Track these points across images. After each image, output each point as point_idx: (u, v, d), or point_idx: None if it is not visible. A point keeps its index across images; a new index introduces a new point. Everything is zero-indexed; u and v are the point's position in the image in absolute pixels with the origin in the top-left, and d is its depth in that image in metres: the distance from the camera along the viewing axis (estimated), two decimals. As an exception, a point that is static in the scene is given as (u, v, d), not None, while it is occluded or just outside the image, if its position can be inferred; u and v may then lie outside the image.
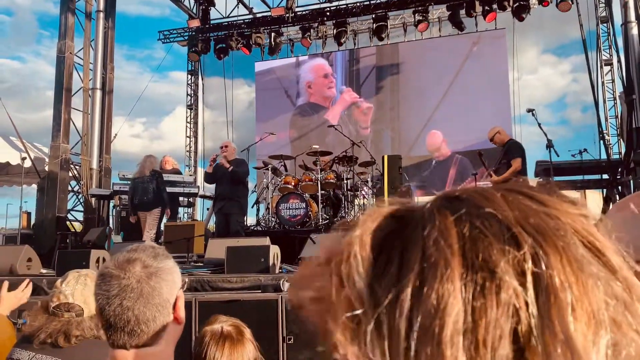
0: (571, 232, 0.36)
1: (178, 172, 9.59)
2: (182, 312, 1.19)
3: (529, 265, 0.33)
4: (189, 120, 14.54)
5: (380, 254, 0.37)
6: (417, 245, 0.36)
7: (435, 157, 11.70)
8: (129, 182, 8.35)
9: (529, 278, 0.33)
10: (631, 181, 7.08)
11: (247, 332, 1.75)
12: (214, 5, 12.55)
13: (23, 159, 8.93)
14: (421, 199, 0.47)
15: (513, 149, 6.79)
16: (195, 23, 12.71)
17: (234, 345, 1.66)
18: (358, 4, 11.84)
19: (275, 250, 4.89)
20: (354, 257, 0.38)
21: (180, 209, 10.74)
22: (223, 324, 1.72)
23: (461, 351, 0.32)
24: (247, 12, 13.26)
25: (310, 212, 7.44)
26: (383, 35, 11.84)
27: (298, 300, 0.41)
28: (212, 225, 9.18)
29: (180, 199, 9.80)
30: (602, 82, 11.35)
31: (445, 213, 0.37)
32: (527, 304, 0.32)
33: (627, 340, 0.32)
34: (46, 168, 9.74)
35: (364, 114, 12.69)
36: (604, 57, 11.42)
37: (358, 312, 0.36)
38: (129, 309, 1.11)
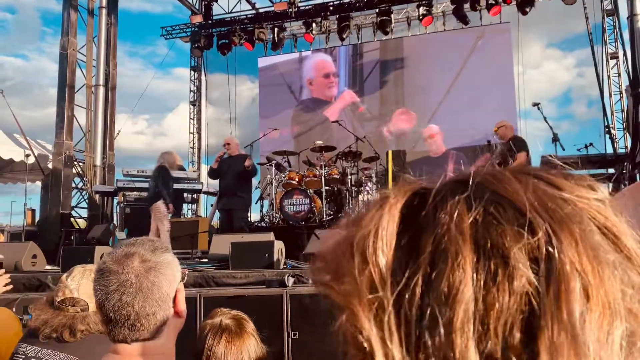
0: (587, 218, 0.34)
1: (182, 169, 9.60)
2: (182, 306, 1.19)
3: (542, 253, 0.32)
4: (192, 116, 14.52)
5: (402, 234, 0.36)
6: (429, 231, 0.35)
7: (432, 153, 11.66)
8: (133, 178, 8.35)
9: (542, 266, 0.32)
10: (637, 175, 7.03)
11: (249, 326, 1.72)
12: (216, 1, 12.51)
13: (27, 156, 8.94)
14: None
15: (517, 144, 6.78)
16: (198, 19, 12.68)
17: (233, 338, 1.64)
18: (361, -1, 11.78)
19: (279, 246, 4.87)
20: (382, 232, 0.36)
21: (184, 205, 10.74)
22: (223, 317, 1.70)
23: (472, 339, 0.31)
24: (250, 8, 13.22)
25: (314, 208, 7.43)
26: (387, 30, 11.77)
27: (320, 280, 0.39)
28: (215, 221, 9.18)
29: (185, 195, 9.81)
30: (608, 76, 11.26)
31: (457, 198, 0.36)
32: (539, 292, 0.31)
33: None
34: (50, 165, 9.75)
35: (362, 117, 12.63)
36: (609, 51, 11.32)
37: (380, 294, 0.35)
38: (129, 304, 1.10)
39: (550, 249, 0.32)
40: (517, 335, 0.31)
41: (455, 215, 0.35)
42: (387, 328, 0.34)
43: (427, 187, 0.39)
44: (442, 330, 0.32)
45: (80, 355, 1.61)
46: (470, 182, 0.37)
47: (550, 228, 0.33)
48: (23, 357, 1.65)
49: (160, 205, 7.17)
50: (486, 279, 0.32)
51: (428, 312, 0.32)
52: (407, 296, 0.34)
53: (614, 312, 0.31)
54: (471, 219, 0.34)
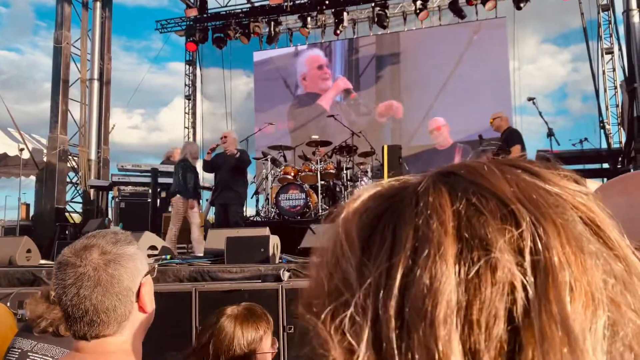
0: (570, 209, 0.35)
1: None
2: (147, 300, 1.13)
3: (527, 244, 0.32)
4: (187, 111, 14.47)
5: (371, 236, 0.36)
6: (410, 223, 0.35)
7: (438, 146, 11.63)
8: (128, 173, 8.32)
9: (527, 257, 0.32)
10: (632, 170, 7.06)
11: (259, 308, 1.75)
12: (211, -6, 12.45)
13: (21, 150, 8.88)
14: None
15: (512, 136, 6.81)
16: (193, 12, 12.61)
17: (247, 318, 1.64)
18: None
19: (275, 241, 4.87)
20: (339, 245, 0.37)
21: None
22: (235, 307, 1.71)
23: (454, 331, 0.31)
24: (245, 1, 13.14)
25: (309, 203, 7.42)
26: (385, 24, 11.76)
27: (303, 307, 0.39)
28: (211, 216, 9.17)
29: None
30: (603, 71, 11.29)
31: (440, 189, 0.36)
32: (523, 283, 0.31)
33: (625, 320, 0.32)
34: (44, 159, 9.70)
35: (351, 105, 12.61)
36: (605, 46, 11.35)
37: (343, 298, 0.35)
38: (86, 298, 1.05)
39: (535, 239, 0.32)
40: (501, 326, 0.31)
41: (438, 206, 0.35)
42: (351, 333, 0.34)
43: (400, 184, 0.39)
44: (424, 323, 0.32)
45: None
46: (454, 174, 0.37)
47: (534, 219, 0.33)
48: (19, 351, 1.65)
49: (178, 201, 6.94)
50: (469, 270, 0.32)
51: (408, 305, 0.32)
52: (383, 292, 0.33)
53: (597, 302, 0.31)
54: (453, 210, 0.34)
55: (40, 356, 1.61)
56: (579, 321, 0.31)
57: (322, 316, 0.36)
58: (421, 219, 0.34)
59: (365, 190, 0.41)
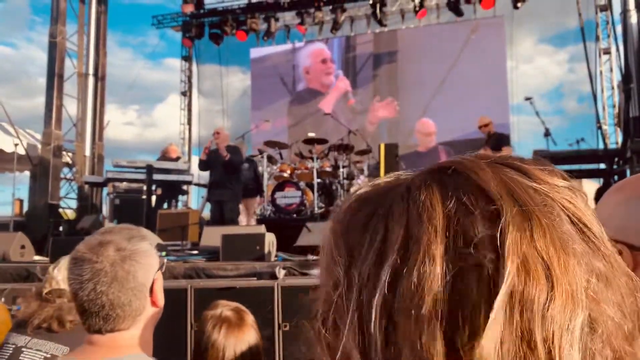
0: (558, 207, 0.35)
1: (179, 160, 9.56)
2: (159, 295, 1.17)
3: (512, 244, 0.33)
4: (182, 107, 14.41)
5: (361, 237, 0.37)
6: (400, 223, 0.35)
7: (420, 149, 11.68)
8: (123, 169, 8.27)
9: (512, 257, 0.32)
10: (628, 170, 7.07)
11: (249, 318, 1.74)
12: (208, -10, 12.39)
13: (15, 145, 8.82)
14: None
15: (502, 138, 6.94)
16: (190, 8, 12.55)
17: (233, 329, 1.65)
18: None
19: (270, 238, 4.86)
20: (328, 248, 0.39)
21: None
22: (224, 308, 1.71)
23: (438, 328, 0.32)
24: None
25: (305, 201, 7.40)
26: (385, 23, 11.76)
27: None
28: (206, 213, 9.14)
29: (183, 187, 9.78)
30: (600, 72, 11.32)
31: (431, 187, 0.36)
32: (507, 281, 0.32)
33: (604, 317, 0.33)
34: (39, 155, 9.63)
35: (351, 109, 12.58)
36: (602, 46, 11.37)
37: (333, 299, 0.36)
38: (103, 293, 1.08)
39: (521, 240, 0.33)
40: (483, 321, 0.31)
41: (429, 205, 0.35)
42: (331, 331, 0.36)
43: (400, 178, 0.40)
44: (410, 320, 0.33)
45: (70, 344, 1.61)
46: (446, 172, 0.37)
47: (521, 218, 0.33)
48: (13, 346, 1.65)
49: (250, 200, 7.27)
50: (456, 268, 0.33)
51: (396, 303, 0.33)
52: (369, 289, 0.34)
53: (576, 301, 0.32)
54: (444, 209, 0.35)
55: (34, 351, 1.61)
56: (557, 319, 0.31)
57: (314, 318, 0.38)
58: (412, 218, 0.35)
59: (358, 189, 0.41)
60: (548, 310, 0.31)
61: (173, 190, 9.04)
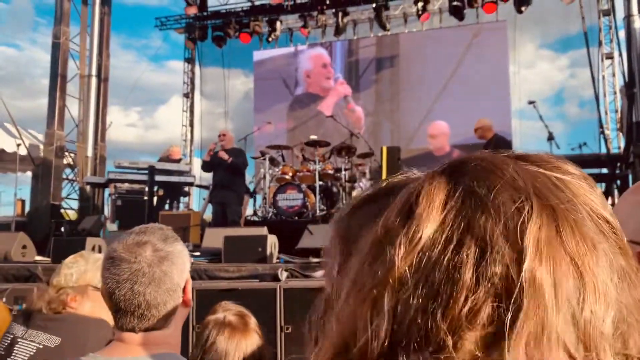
0: (580, 203, 0.34)
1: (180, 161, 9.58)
2: (190, 295, 1.20)
3: (538, 239, 0.32)
4: (185, 109, 14.43)
5: (358, 239, 0.36)
6: (400, 220, 0.35)
7: (435, 152, 11.63)
8: (125, 170, 8.28)
9: (539, 253, 0.31)
10: (630, 175, 7.07)
11: (252, 322, 1.73)
12: (211, -8, 12.42)
13: (18, 145, 8.83)
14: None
15: (499, 145, 6.79)
16: (193, 10, 12.58)
17: (236, 334, 1.64)
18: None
19: (272, 240, 4.86)
20: (328, 249, 0.39)
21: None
22: (227, 312, 1.70)
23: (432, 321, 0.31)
24: (246, 0, 13.12)
25: (307, 203, 7.40)
26: (386, 25, 11.77)
27: None
28: (208, 215, 9.14)
29: (184, 188, 9.79)
30: (603, 76, 11.31)
31: (438, 186, 0.35)
32: (535, 278, 0.31)
33: (627, 315, 0.32)
34: (41, 155, 9.64)
35: (351, 112, 12.57)
36: (605, 51, 11.37)
37: (330, 301, 0.36)
38: (140, 293, 1.10)
39: (551, 234, 0.32)
40: (485, 319, 0.31)
41: (431, 193, 0.35)
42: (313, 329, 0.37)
43: (409, 177, 0.40)
44: (396, 320, 0.32)
45: (62, 335, 1.63)
46: (462, 166, 0.37)
47: (547, 215, 0.33)
48: (12, 337, 1.67)
49: None
50: (477, 261, 0.31)
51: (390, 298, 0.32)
52: (364, 290, 0.33)
53: (607, 298, 0.32)
54: (449, 207, 0.34)
55: (28, 342, 1.63)
56: (591, 317, 0.31)
57: (312, 322, 0.38)
58: (412, 225, 0.34)
59: (359, 194, 0.41)
60: (582, 310, 0.31)
61: (174, 191, 9.05)
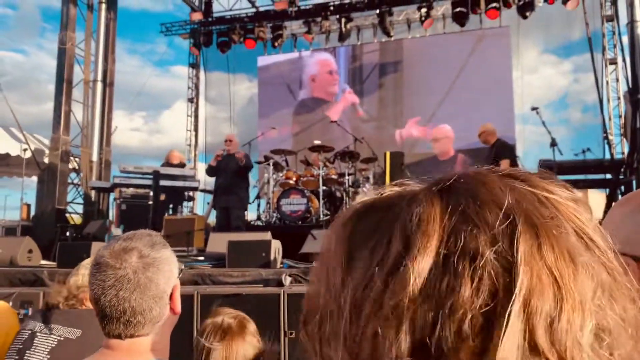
0: (565, 220, 0.36)
1: (184, 166, 9.61)
2: (178, 302, 1.18)
3: (522, 254, 0.33)
4: (189, 113, 14.47)
5: (358, 249, 0.37)
6: (400, 237, 0.36)
7: (439, 156, 11.60)
8: (130, 175, 8.31)
9: (524, 267, 0.33)
10: (634, 181, 7.05)
11: (251, 327, 1.73)
12: (216, -1, 12.49)
13: (24, 150, 8.88)
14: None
15: (502, 150, 6.77)
16: (198, 16, 12.65)
17: (233, 338, 1.65)
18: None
19: (276, 245, 4.87)
20: (327, 253, 0.39)
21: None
22: (226, 316, 1.71)
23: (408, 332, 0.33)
24: (250, 6, 13.19)
25: (311, 208, 7.42)
26: (390, 31, 11.79)
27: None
28: (212, 220, 9.16)
29: (186, 193, 9.81)
30: (607, 82, 11.30)
31: (434, 201, 0.37)
32: (520, 292, 0.32)
33: (610, 327, 0.33)
34: (46, 160, 9.70)
35: (360, 120, 12.57)
36: (608, 57, 11.37)
37: (329, 309, 0.37)
38: (125, 300, 1.09)
39: (532, 251, 0.33)
40: (469, 332, 0.32)
41: (428, 217, 0.36)
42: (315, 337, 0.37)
43: (405, 189, 0.41)
44: (392, 332, 0.33)
45: (83, 327, 1.65)
46: (452, 184, 0.38)
47: (530, 233, 0.34)
48: (29, 332, 1.69)
49: None
50: (449, 282, 0.33)
51: (384, 308, 0.34)
52: (362, 301, 0.35)
53: (586, 311, 0.33)
54: (442, 221, 0.35)
55: (47, 335, 1.66)
56: (570, 330, 0.32)
57: (309, 327, 0.38)
58: (410, 233, 0.35)
59: (361, 199, 0.42)
60: (559, 321, 0.32)
61: (178, 196, 9.07)
